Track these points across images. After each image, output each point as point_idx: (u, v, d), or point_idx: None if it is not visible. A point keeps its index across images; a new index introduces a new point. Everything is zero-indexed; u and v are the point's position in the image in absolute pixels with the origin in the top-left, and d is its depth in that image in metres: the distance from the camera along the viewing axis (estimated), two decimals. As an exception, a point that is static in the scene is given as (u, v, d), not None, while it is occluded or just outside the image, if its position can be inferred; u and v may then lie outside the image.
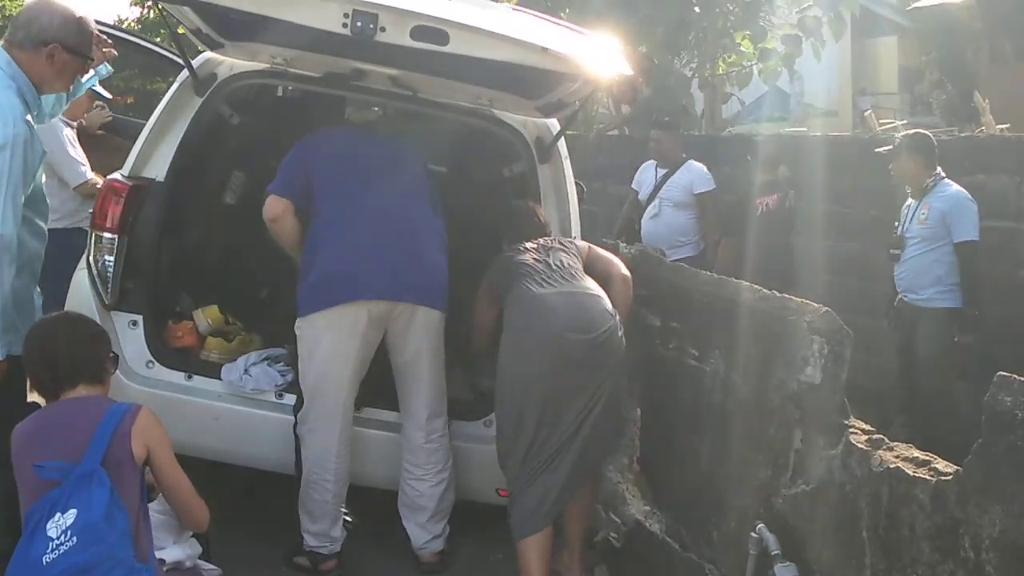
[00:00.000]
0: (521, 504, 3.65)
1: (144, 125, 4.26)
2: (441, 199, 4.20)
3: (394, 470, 4.03)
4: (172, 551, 3.00)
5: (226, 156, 4.77)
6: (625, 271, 3.98)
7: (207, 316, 4.36)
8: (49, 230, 3.58)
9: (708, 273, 3.76)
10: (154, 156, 4.15)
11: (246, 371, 4.13)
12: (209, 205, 4.76)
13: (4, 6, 16.78)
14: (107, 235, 4.01)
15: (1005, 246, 5.55)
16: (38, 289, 3.53)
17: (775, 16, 10.33)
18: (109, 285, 4.02)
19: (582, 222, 4.48)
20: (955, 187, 5.27)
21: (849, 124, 14.29)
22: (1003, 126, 6.96)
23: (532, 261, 3.83)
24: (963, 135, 6.68)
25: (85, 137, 5.77)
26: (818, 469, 2.83)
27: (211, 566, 3.20)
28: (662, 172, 6.79)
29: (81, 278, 4.08)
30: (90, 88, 4.02)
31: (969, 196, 5.20)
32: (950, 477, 2.34)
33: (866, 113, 7.96)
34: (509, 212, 4.25)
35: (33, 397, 3.16)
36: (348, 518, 4.04)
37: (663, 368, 3.92)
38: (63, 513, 2.54)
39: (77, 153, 5.33)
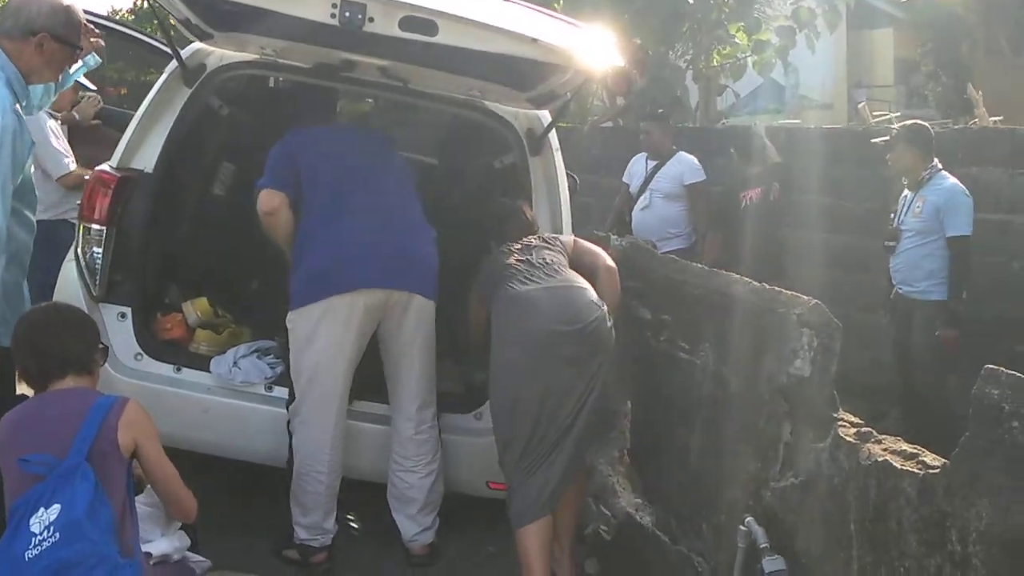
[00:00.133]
0: (522, 494, 3.65)
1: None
2: (425, 192, 4.20)
3: (386, 463, 4.02)
4: (159, 544, 2.99)
5: (215, 147, 4.76)
6: (610, 262, 3.98)
7: (196, 308, 4.34)
8: None
9: (699, 265, 3.74)
10: (143, 147, 4.13)
11: (235, 364, 4.12)
12: (198, 196, 4.74)
13: None
14: (95, 227, 3.99)
15: (998, 238, 5.55)
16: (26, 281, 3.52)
17: (770, 8, 10.31)
18: (97, 277, 4.00)
19: (576, 214, 4.47)
20: (951, 180, 5.24)
21: (844, 116, 14.30)
22: (996, 118, 6.96)
23: (515, 262, 3.84)
24: (956, 127, 6.68)
25: (79, 129, 5.76)
26: (807, 462, 2.82)
27: (200, 558, 3.19)
28: (652, 164, 6.78)
29: (69, 270, 4.06)
30: (76, 81, 4.00)
31: (964, 190, 5.17)
32: (937, 470, 2.33)
33: (860, 105, 7.95)
34: (496, 212, 4.24)
35: (23, 388, 3.16)
36: (354, 525, 4.04)
37: (654, 361, 3.91)
38: (47, 508, 2.54)
39: (60, 144, 5.32)
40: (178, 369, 4.10)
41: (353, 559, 4.04)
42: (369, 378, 3.98)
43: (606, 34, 4.22)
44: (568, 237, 4.15)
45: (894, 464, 2.47)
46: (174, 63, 4.20)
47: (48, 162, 5.17)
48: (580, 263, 3.96)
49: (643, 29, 9.51)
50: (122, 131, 4.21)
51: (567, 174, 4.70)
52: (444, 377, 4.22)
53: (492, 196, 4.44)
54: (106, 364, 3.85)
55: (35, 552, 2.51)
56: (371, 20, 3.33)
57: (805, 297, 2.98)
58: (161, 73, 4.32)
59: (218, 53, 4.26)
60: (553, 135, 4.43)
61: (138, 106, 4.25)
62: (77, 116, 5.78)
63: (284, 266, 4.00)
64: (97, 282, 4.00)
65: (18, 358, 2.88)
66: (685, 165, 6.68)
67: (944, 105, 11.53)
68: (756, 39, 9.85)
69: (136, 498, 2.90)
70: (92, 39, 3.59)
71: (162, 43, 6.71)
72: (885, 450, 2.57)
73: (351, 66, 4.14)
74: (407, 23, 3.35)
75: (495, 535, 4.13)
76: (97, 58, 3.80)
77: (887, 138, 5.50)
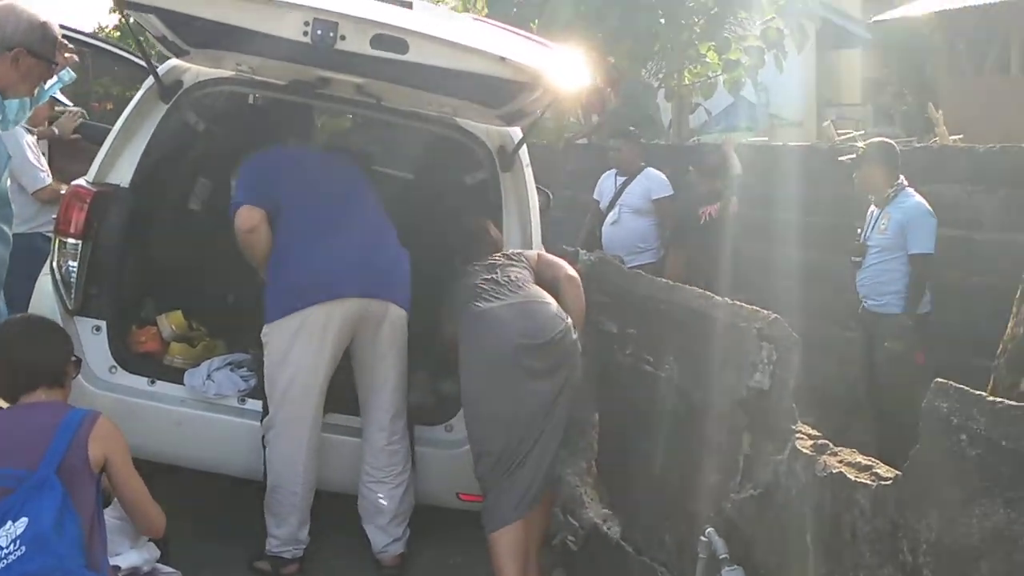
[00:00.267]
0: (496, 500, 3.72)
1: None
2: (401, 206, 4.26)
3: (356, 475, 4.07)
4: (128, 556, 3.01)
5: (192, 162, 4.79)
6: (571, 271, 4.07)
7: (171, 322, 4.38)
8: None
9: (663, 280, 3.83)
10: (119, 162, 4.17)
11: (209, 376, 4.16)
12: (174, 211, 4.77)
13: None
14: (71, 241, 4.02)
15: (957, 254, 5.66)
16: (2, 294, 3.55)
17: (741, 28, 10.46)
18: (72, 290, 4.03)
19: (550, 230, 4.55)
20: (916, 198, 5.30)
21: (814, 134, 14.48)
22: (956, 137, 7.10)
23: (480, 281, 3.92)
24: (917, 145, 6.80)
25: (59, 143, 5.79)
26: (765, 474, 2.89)
27: (170, 570, 3.20)
28: (622, 180, 6.89)
29: (44, 283, 4.09)
30: (52, 96, 4.03)
31: (928, 208, 5.23)
32: (889, 482, 2.41)
33: (825, 124, 8.09)
34: (461, 231, 4.32)
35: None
36: None
37: (620, 374, 3.98)
38: (14, 522, 2.55)
39: (36, 158, 5.34)
40: (152, 382, 4.13)
41: (324, 570, 4.08)
42: (340, 391, 4.02)
43: (576, 54, 4.31)
44: (532, 252, 4.23)
45: (848, 476, 2.54)
46: (151, 79, 4.25)
47: (24, 176, 5.19)
48: (543, 276, 4.04)
49: (617, 48, 9.62)
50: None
51: (541, 190, 4.77)
52: (415, 389, 4.27)
53: (463, 212, 4.51)
54: (80, 377, 3.92)
55: (1, 565, 2.52)
56: (343, 38, 3.38)
57: (765, 311, 3.06)
58: (146, 89, 4.36)
59: (194, 69, 4.31)
60: (524, 152, 4.51)
61: (121, 122, 4.28)
62: (57, 131, 5.81)
63: (259, 280, 4.04)
64: (72, 296, 4.03)
65: None
66: (653, 181, 6.79)
67: (909, 124, 11.72)
68: (726, 58, 9.99)
69: (105, 511, 2.93)
70: (67, 55, 3.63)
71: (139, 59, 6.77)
72: (841, 462, 2.64)
73: (326, 83, 4.20)
74: (378, 41, 3.41)
75: (465, 546, 4.18)
76: (72, 73, 3.84)
77: (853, 156, 5.59)
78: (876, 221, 5.44)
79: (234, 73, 4.31)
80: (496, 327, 3.76)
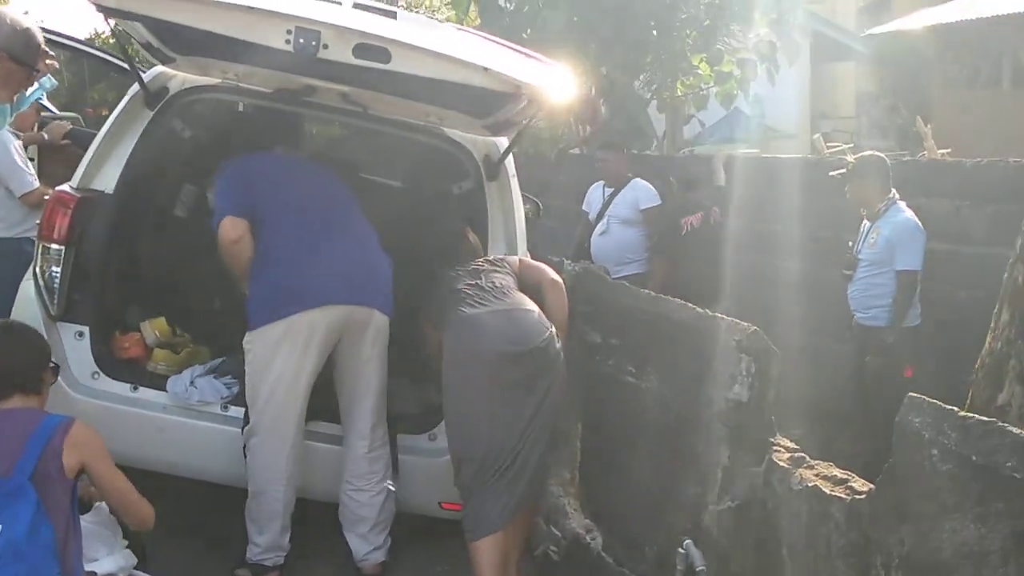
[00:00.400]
0: (477, 508, 3.71)
1: None
2: (388, 214, 4.26)
3: (338, 482, 4.06)
4: (104, 563, 3.01)
5: (177, 169, 4.79)
6: (554, 276, 4.08)
7: (154, 328, 4.37)
8: None
9: (645, 291, 3.83)
10: (104, 168, 4.16)
11: (192, 383, 4.15)
12: (160, 218, 4.77)
13: None
14: (54, 246, 4.01)
15: (945, 268, 5.66)
16: None
17: (735, 40, 10.48)
18: (55, 296, 4.02)
19: (541, 239, 4.55)
20: (905, 214, 5.26)
21: (808, 147, 14.53)
22: (944, 151, 7.10)
23: (464, 286, 3.92)
24: (905, 159, 6.81)
25: (48, 149, 5.80)
26: (743, 486, 2.90)
27: (147, 576, 3.21)
28: (609, 191, 6.90)
29: (27, 288, 4.08)
30: (37, 101, 4.03)
31: (917, 224, 5.21)
32: (863, 496, 2.41)
33: (815, 137, 8.10)
34: (439, 237, 4.33)
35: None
36: None
37: (603, 384, 3.99)
38: None
39: (24, 163, 5.33)
40: (135, 388, 4.11)
41: (305, 578, 4.07)
42: (322, 398, 4.01)
43: (562, 65, 4.32)
44: (514, 257, 4.23)
45: (824, 490, 2.55)
46: (136, 86, 4.25)
47: (12, 180, 5.18)
48: (526, 280, 4.05)
49: (609, 59, 9.64)
50: None
51: (530, 199, 4.76)
52: (399, 397, 4.27)
53: (442, 217, 4.51)
54: (62, 382, 3.93)
55: None
56: (325, 47, 3.39)
57: (745, 324, 3.07)
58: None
59: (181, 77, 4.30)
60: (510, 161, 4.51)
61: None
62: (46, 136, 5.82)
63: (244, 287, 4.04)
64: (55, 301, 4.02)
65: None
66: (640, 191, 6.80)
67: (902, 137, 11.76)
68: (718, 70, 10.01)
69: (82, 516, 2.93)
70: (48, 61, 3.63)
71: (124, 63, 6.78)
72: (817, 475, 2.65)
73: (312, 91, 4.20)
74: (361, 50, 3.41)
75: (446, 555, 4.17)
76: (53, 81, 3.84)
77: (844, 170, 5.57)
78: (867, 235, 5.43)
79: (220, 81, 4.31)
80: (481, 333, 3.76)
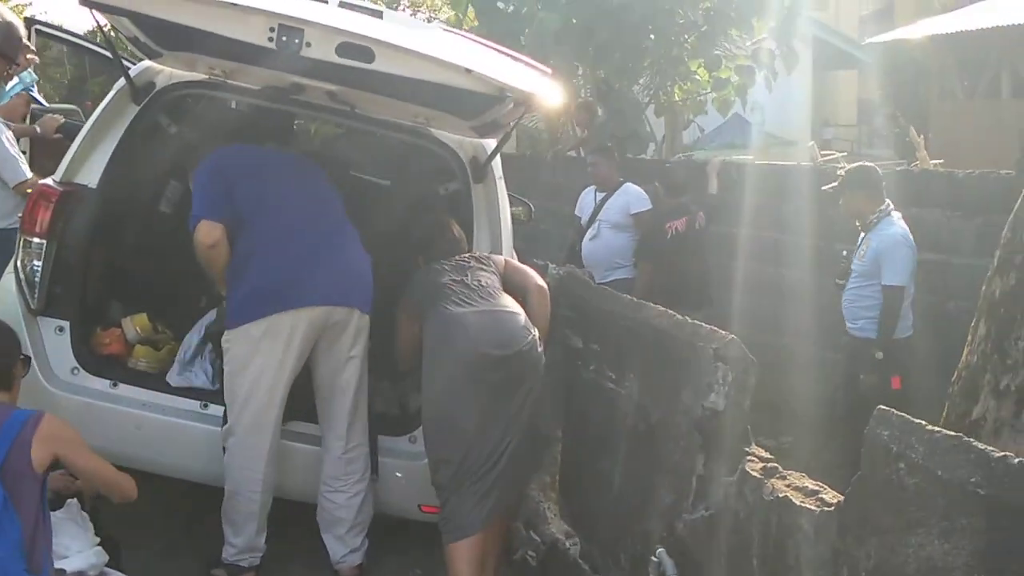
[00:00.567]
0: (455, 511, 3.70)
1: None
2: (375, 213, 4.24)
3: (316, 483, 4.04)
4: (74, 560, 2.98)
5: (163, 165, 4.76)
6: (540, 282, 4.07)
7: (136, 324, 4.35)
8: None
9: (628, 297, 3.81)
10: (87, 163, 4.14)
11: (188, 368, 4.16)
12: (144, 213, 4.75)
13: None
14: (36, 240, 4.00)
15: (936, 278, 5.65)
16: None
17: (735, 47, 10.48)
18: (36, 290, 4.00)
19: (535, 242, 4.53)
20: (895, 227, 5.18)
21: (807, 154, 14.52)
22: (936, 161, 7.08)
23: (450, 282, 3.89)
24: (898, 169, 6.79)
25: (41, 142, 5.80)
26: (717, 495, 2.88)
27: (119, 574, 3.18)
28: (601, 195, 6.88)
29: (8, 282, 4.06)
30: (28, 94, 4.02)
31: (906, 239, 5.12)
32: (832, 509, 2.39)
33: (808, 144, 8.09)
34: (423, 227, 4.30)
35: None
36: None
37: (583, 389, 3.97)
38: None
39: (16, 152, 5.33)
40: (114, 384, 4.09)
41: (281, 580, 4.05)
42: (301, 398, 3.99)
43: (550, 68, 4.30)
44: (500, 256, 4.21)
45: (794, 501, 2.52)
46: (123, 80, 4.23)
47: (5, 169, 5.18)
48: (510, 282, 4.03)
49: (606, 63, 9.63)
50: None
51: (522, 201, 4.73)
52: (380, 399, 4.25)
53: (427, 211, 4.49)
54: (41, 377, 3.92)
55: None
56: (308, 45, 3.37)
57: (723, 332, 3.04)
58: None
59: (167, 72, 4.28)
60: (498, 163, 4.49)
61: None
62: (39, 129, 5.82)
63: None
64: (36, 295, 4.00)
65: None
66: (631, 195, 6.79)
67: (901, 146, 11.74)
68: (716, 77, 10.00)
69: (53, 513, 2.91)
70: (28, 56, 3.62)
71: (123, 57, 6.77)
72: (788, 486, 2.62)
73: (300, 89, 4.17)
74: (344, 49, 3.39)
75: (424, 557, 4.15)
76: (34, 75, 3.83)
77: (835, 184, 5.52)
78: (859, 246, 5.40)
79: (208, 77, 4.29)
80: (464, 333, 3.73)
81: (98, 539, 3.14)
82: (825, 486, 2.58)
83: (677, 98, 10.59)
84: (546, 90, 3.83)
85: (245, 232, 3.85)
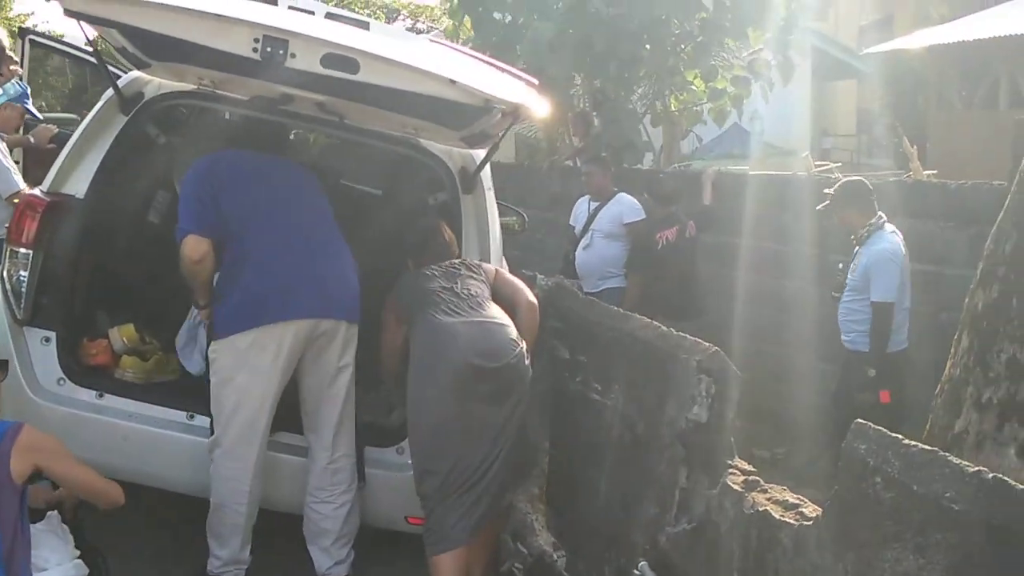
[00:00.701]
0: (439, 523, 3.68)
1: None
2: (366, 223, 4.23)
3: (302, 494, 4.02)
4: (53, 573, 2.95)
5: (151, 175, 4.76)
6: (531, 298, 4.04)
7: (123, 335, 4.34)
8: None
9: (614, 308, 3.80)
10: (75, 173, 4.14)
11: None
12: (132, 223, 4.74)
13: None
14: (22, 250, 4.00)
15: (928, 289, 5.62)
16: None
17: (734, 57, 10.47)
18: (22, 300, 4.00)
19: (528, 252, 4.52)
20: (885, 242, 5.13)
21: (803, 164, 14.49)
22: (930, 172, 7.06)
23: (439, 288, 3.88)
24: (891, 179, 6.78)
25: (34, 153, 5.82)
26: (699, 508, 2.86)
27: (98, 587, 3.16)
28: (595, 205, 6.88)
29: None
30: (22, 106, 4.01)
31: (895, 254, 5.08)
32: (810, 523, 2.38)
33: (803, 155, 8.07)
34: (413, 232, 4.29)
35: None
36: None
37: (570, 400, 3.96)
38: None
39: (10, 163, 5.34)
40: (100, 395, 4.09)
41: (267, 592, 4.03)
42: (288, 409, 3.98)
43: (538, 79, 4.30)
44: (490, 266, 4.20)
45: (774, 515, 2.51)
46: (111, 90, 4.23)
47: None
48: (500, 294, 4.01)
49: (602, 73, 9.62)
50: None
51: (516, 211, 4.71)
52: (367, 410, 4.23)
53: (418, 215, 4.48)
54: (27, 388, 3.91)
55: None
56: (293, 56, 3.36)
57: (706, 344, 3.03)
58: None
59: (156, 82, 4.28)
60: (487, 174, 4.49)
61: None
62: (32, 140, 5.84)
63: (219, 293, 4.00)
64: (22, 305, 4.00)
65: None
66: (625, 205, 6.78)
67: (900, 156, 11.72)
68: (712, 87, 9.99)
69: (33, 525, 2.89)
70: (11, 67, 3.62)
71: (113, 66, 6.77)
72: (769, 500, 2.61)
73: (288, 100, 4.16)
74: (329, 60, 3.38)
75: (411, 569, 4.12)
76: (18, 86, 3.83)
77: (827, 203, 5.47)
78: (853, 259, 5.38)
79: (196, 87, 4.29)
80: (454, 343, 3.71)
81: (78, 552, 3.12)
82: (805, 499, 2.57)
83: (673, 108, 10.58)
84: (532, 101, 3.82)
85: (233, 241, 3.84)
